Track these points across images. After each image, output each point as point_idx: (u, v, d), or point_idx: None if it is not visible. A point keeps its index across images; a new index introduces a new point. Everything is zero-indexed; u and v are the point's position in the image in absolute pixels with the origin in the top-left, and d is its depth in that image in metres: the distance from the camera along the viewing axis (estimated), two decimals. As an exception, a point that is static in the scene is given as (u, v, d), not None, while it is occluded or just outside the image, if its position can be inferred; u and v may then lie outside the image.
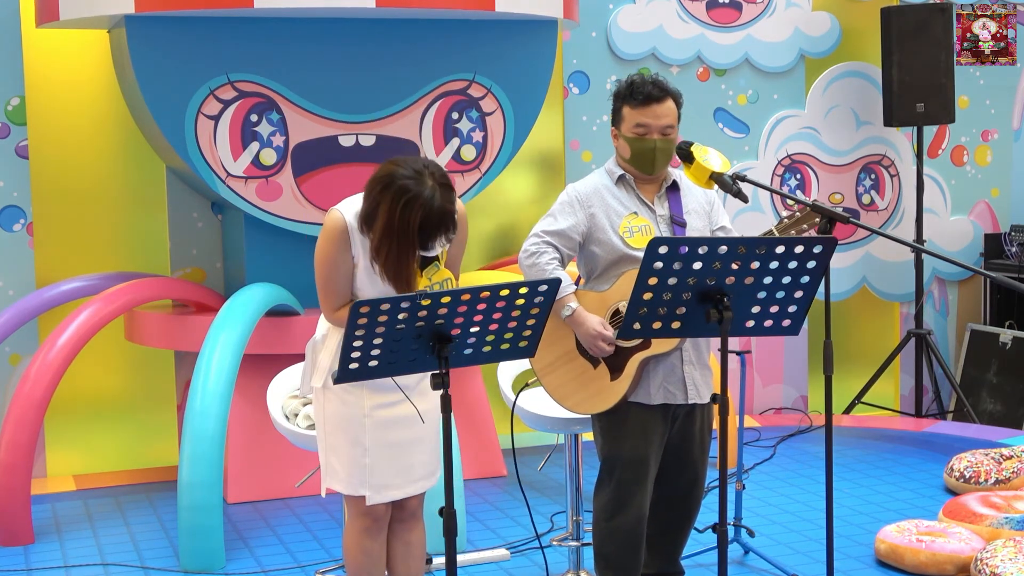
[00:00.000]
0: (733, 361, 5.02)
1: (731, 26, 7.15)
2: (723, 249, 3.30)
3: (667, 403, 3.88)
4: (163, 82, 5.53)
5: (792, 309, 3.46)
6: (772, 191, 4.26)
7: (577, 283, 3.98)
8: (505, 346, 3.36)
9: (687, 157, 3.76)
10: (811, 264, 3.37)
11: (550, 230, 3.89)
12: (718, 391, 3.57)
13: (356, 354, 3.17)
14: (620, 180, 3.92)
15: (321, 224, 3.66)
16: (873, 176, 7.47)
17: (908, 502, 5.56)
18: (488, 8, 5.63)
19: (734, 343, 5.27)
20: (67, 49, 6.20)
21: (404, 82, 5.85)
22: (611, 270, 3.88)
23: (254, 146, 5.68)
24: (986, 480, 5.51)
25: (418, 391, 3.63)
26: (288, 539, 5.22)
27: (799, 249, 3.34)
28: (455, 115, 5.95)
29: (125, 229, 6.37)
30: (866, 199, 7.47)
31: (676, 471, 3.99)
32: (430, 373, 3.28)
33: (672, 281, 3.33)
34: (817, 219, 3.66)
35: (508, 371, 4.74)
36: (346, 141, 5.81)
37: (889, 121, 7.16)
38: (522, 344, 3.38)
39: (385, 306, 3.10)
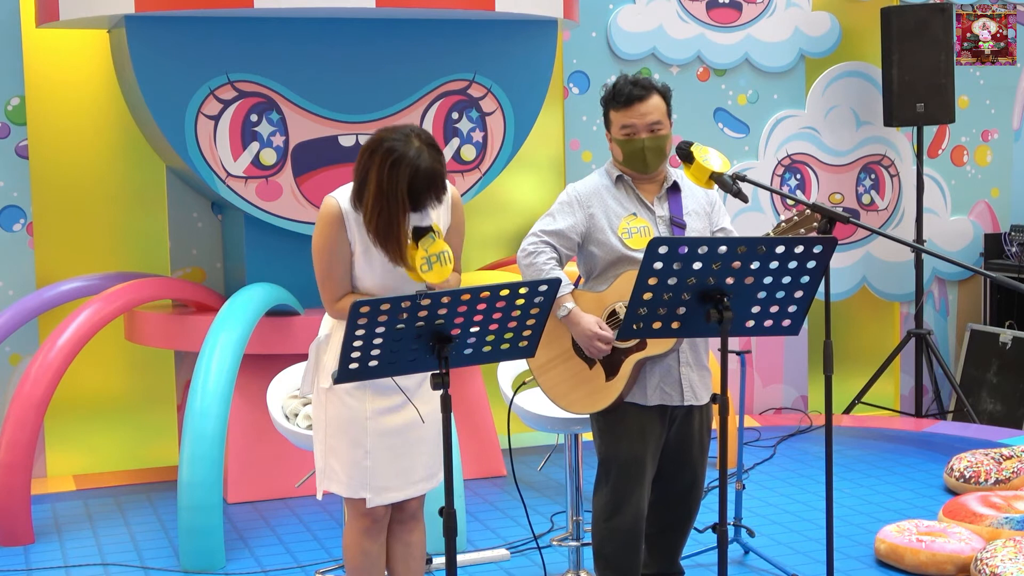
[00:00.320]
0: (733, 361, 5.02)
1: (731, 26, 7.15)
2: (723, 249, 3.30)
3: (664, 404, 3.88)
4: (163, 82, 5.53)
5: (792, 309, 3.46)
6: (772, 191, 4.25)
7: (577, 283, 3.98)
8: (505, 346, 3.36)
9: (687, 157, 3.76)
10: (811, 264, 3.37)
11: (548, 230, 3.89)
12: (718, 391, 3.56)
13: (356, 354, 3.17)
14: (619, 181, 3.92)
15: (321, 223, 3.65)
16: (873, 176, 7.47)
17: (908, 502, 5.56)
18: (488, 8, 5.63)
19: (734, 343, 5.27)
20: (67, 49, 6.20)
21: (404, 82, 5.85)
22: (610, 271, 3.87)
23: (254, 146, 5.68)
24: (986, 480, 5.51)
25: (419, 393, 3.63)
26: (288, 539, 5.22)
27: (799, 249, 3.34)
28: (455, 115, 5.95)
29: (125, 229, 6.37)
30: (866, 199, 7.47)
31: (675, 471, 3.98)
32: (431, 374, 3.28)
33: (672, 281, 3.33)
34: (815, 222, 3.66)
35: (508, 371, 4.73)
36: (346, 141, 5.81)
37: (889, 121, 7.15)
38: (522, 344, 3.38)
39: (385, 306, 3.10)
